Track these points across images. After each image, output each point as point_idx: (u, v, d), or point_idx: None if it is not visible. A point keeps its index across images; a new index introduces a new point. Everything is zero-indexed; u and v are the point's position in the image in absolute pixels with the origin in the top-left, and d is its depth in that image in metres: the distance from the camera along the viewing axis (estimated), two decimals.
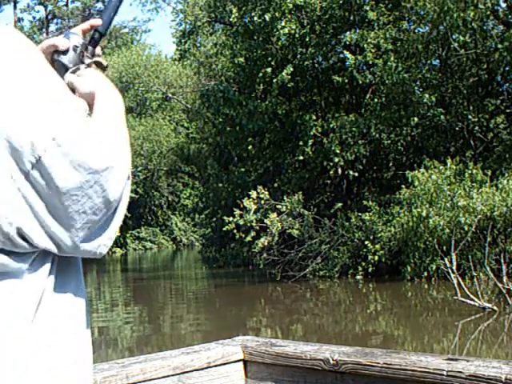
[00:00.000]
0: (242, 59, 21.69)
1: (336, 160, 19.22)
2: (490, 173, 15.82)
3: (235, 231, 18.28)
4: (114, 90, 1.19)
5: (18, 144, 0.94)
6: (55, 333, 1.08)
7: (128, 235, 50.16)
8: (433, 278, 15.33)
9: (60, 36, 1.25)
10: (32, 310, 1.04)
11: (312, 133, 19.79)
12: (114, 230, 1.07)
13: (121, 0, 1.30)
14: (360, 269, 17.19)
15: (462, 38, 17.41)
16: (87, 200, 0.98)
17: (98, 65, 1.29)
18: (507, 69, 18.87)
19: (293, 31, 19.68)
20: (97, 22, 1.29)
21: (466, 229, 14.57)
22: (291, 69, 19.53)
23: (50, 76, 1.03)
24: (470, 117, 18.58)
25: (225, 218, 18.63)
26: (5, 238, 0.97)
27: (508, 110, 19.75)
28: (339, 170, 20.27)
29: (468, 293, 11.07)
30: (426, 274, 15.46)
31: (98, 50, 1.31)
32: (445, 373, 1.73)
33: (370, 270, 16.97)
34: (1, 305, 1.01)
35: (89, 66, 1.26)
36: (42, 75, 1.02)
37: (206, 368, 2.12)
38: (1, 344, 1.01)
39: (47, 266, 1.05)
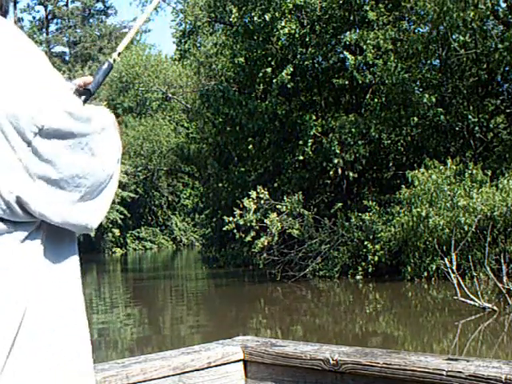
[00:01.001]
0: (241, 59, 21.68)
1: (336, 161, 19.22)
2: (490, 173, 15.81)
3: (235, 231, 18.27)
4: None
5: (21, 116, 1.02)
6: (58, 318, 1.08)
7: (128, 235, 50.15)
8: (433, 278, 15.32)
9: None
10: (29, 288, 1.06)
11: (312, 133, 19.79)
12: (105, 204, 1.14)
13: (111, 68, 1.40)
14: (360, 269, 17.18)
15: (462, 38, 17.41)
16: (78, 161, 1.07)
17: None
18: (507, 69, 18.86)
19: (293, 31, 19.68)
20: (88, 79, 1.36)
21: (466, 229, 14.56)
22: (291, 69, 19.52)
23: (46, 62, 1.12)
24: (470, 117, 18.57)
25: (225, 217, 18.63)
26: (6, 206, 1.04)
27: (508, 110, 19.75)
28: (339, 170, 20.27)
29: (468, 293, 11.07)
30: (425, 274, 15.45)
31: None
32: (445, 373, 1.73)
33: (369, 270, 16.97)
34: None
35: None
36: (42, 60, 1.11)
37: (206, 368, 2.12)
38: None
39: (39, 241, 1.09)
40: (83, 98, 1.32)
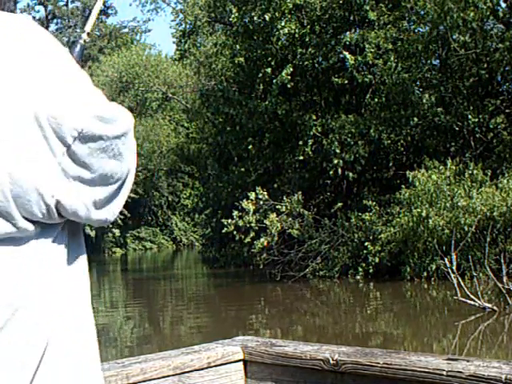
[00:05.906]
0: (241, 59, 21.68)
1: (335, 161, 19.21)
2: (490, 173, 15.81)
3: (235, 232, 18.25)
4: None
5: (64, 120, 1.04)
6: (75, 318, 1.09)
7: (128, 235, 50.13)
8: (433, 278, 15.32)
9: None
10: (59, 297, 1.07)
11: (312, 133, 19.78)
12: (122, 199, 1.17)
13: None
14: (360, 269, 17.17)
15: (462, 38, 17.41)
16: (107, 162, 1.10)
17: None
18: (507, 69, 18.86)
19: (293, 31, 19.67)
20: None
21: (466, 229, 14.56)
22: (291, 69, 19.51)
23: (76, 64, 1.16)
24: (469, 117, 18.56)
25: (224, 220, 18.61)
26: (46, 210, 1.05)
27: (508, 110, 19.74)
28: (339, 170, 20.26)
29: (468, 293, 11.07)
30: (425, 274, 15.45)
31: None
32: (445, 373, 1.72)
33: (370, 270, 16.96)
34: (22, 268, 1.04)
35: None
36: (73, 62, 1.15)
37: (206, 368, 2.12)
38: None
39: (64, 242, 1.12)
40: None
